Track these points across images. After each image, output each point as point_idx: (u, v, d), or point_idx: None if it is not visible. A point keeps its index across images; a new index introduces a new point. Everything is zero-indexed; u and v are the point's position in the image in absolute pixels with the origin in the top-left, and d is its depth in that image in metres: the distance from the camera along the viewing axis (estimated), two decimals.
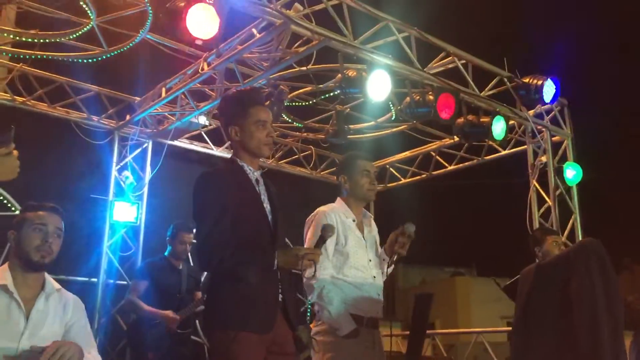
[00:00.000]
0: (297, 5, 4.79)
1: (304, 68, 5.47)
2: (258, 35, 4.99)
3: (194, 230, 5.97)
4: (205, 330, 2.68)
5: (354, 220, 3.52)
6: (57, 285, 2.75)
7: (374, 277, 3.48)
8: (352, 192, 3.55)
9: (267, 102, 5.98)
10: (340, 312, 3.23)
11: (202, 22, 4.23)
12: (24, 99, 6.11)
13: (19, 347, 2.47)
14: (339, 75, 5.28)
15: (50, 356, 2.32)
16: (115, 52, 5.48)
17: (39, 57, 5.52)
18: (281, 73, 5.67)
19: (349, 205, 3.56)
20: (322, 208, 3.48)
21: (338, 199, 3.60)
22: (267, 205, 2.78)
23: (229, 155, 7.56)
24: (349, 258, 3.37)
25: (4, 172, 2.22)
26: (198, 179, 2.72)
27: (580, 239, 6.47)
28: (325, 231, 2.78)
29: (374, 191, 3.59)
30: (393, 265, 3.54)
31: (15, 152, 2.22)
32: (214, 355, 2.60)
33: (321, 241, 2.78)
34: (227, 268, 2.54)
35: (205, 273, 6.80)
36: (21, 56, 5.57)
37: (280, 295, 2.65)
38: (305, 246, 3.28)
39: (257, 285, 2.53)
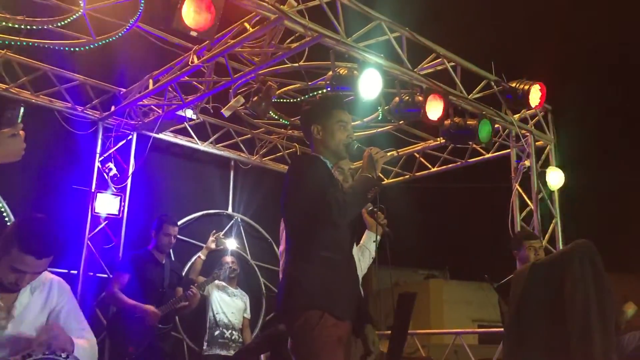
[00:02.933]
0: (291, 0, 4.78)
1: (296, 64, 5.46)
2: (251, 30, 4.96)
3: (178, 224, 5.98)
4: (285, 313, 2.68)
5: None
6: (44, 275, 2.67)
7: None
8: None
9: (255, 98, 5.95)
10: None
11: (198, 14, 4.19)
12: (7, 86, 5.97)
13: (2, 340, 2.44)
14: (330, 72, 5.28)
15: (39, 343, 2.29)
16: (104, 42, 5.40)
17: (24, 43, 5.41)
18: (271, 69, 5.66)
19: None
20: None
21: None
22: None
23: (213, 151, 7.57)
24: None
25: (8, 154, 2.13)
26: (297, 160, 3.10)
27: (560, 243, 6.57)
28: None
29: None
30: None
31: (22, 133, 2.13)
32: (295, 339, 2.63)
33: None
34: (314, 249, 2.65)
35: (184, 270, 6.78)
36: (6, 42, 5.46)
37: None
38: None
39: (340, 273, 2.66)
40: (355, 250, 3.74)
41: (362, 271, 3.81)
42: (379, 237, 3.72)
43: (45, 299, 2.62)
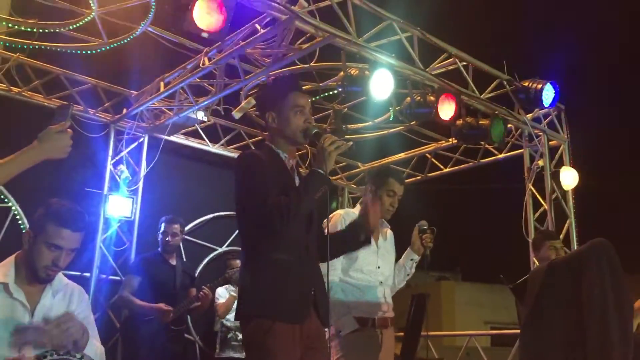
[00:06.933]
0: (302, 1, 4.76)
1: (307, 65, 5.45)
2: (262, 31, 4.95)
3: (183, 222, 5.93)
4: (239, 319, 2.64)
5: None
6: (65, 280, 2.70)
7: (381, 282, 3.63)
8: None
9: None
10: (344, 315, 3.43)
11: (209, 15, 4.20)
12: (20, 89, 6.01)
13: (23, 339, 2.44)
14: (341, 73, 5.26)
15: (55, 325, 2.33)
16: (115, 45, 5.42)
17: (36, 47, 5.44)
18: (282, 70, 5.64)
19: None
20: (338, 211, 3.61)
21: (357, 204, 3.85)
22: None
23: (225, 152, 7.56)
24: (357, 261, 3.53)
25: (55, 150, 2.16)
26: (238, 161, 2.67)
27: (575, 243, 6.51)
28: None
29: (391, 212, 3.73)
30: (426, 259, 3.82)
31: (69, 131, 2.17)
32: (248, 345, 2.57)
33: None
34: (264, 252, 2.53)
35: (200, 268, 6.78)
36: (18, 46, 5.49)
37: (313, 290, 2.61)
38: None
39: (291, 275, 2.52)
40: (393, 263, 3.81)
41: (395, 286, 3.89)
42: (417, 258, 3.83)
43: (67, 304, 2.64)
